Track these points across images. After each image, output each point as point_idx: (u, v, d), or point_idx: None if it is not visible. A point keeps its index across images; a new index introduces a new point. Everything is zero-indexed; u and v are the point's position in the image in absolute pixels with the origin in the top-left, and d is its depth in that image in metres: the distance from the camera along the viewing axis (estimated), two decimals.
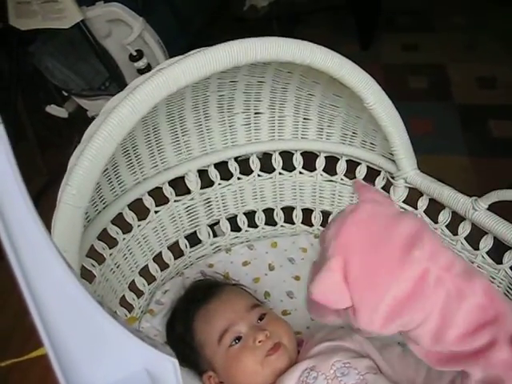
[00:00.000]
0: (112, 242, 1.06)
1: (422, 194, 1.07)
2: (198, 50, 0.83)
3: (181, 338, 0.97)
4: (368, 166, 1.18)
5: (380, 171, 1.15)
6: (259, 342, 0.88)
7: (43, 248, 0.44)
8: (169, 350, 0.51)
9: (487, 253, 0.98)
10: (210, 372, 0.93)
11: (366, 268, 0.58)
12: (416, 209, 1.08)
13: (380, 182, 1.16)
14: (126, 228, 1.09)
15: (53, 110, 2.12)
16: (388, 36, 3.20)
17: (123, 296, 1.08)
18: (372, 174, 1.18)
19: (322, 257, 0.66)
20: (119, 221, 1.08)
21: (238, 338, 0.90)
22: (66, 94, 2.10)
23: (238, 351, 0.89)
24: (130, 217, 1.09)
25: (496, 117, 2.51)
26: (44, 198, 1.38)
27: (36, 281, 0.44)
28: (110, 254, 1.04)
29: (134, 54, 1.77)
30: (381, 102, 0.99)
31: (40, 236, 0.42)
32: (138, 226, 1.11)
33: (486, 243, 0.97)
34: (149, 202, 1.13)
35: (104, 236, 1.03)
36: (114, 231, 1.06)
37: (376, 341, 0.93)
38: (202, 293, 1.00)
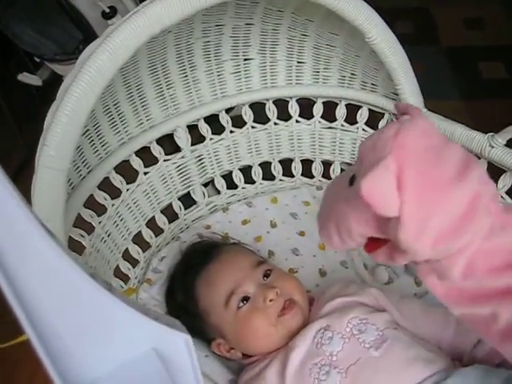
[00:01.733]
0: (100, 210, 0.97)
1: None
2: None
3: (183, 306, 0.90)
4: (370, 109, 1.10)
5: (383, 113, 1.07)
6: (270, 300, 0.81)
7: (17, 216, 0.36)
8: (179, 325, 0.44)
9: (506, 192, 0.91)
10: (218, 339, 0.87)
11: (421, 177, 0.50)
12: None
13: (383, 125, 1.08)
14: (115, 193, 1.01)
15: (25, 77, 2.00)
16: None
17: (117, 266, 1.00)
18: (374, 118, 1.10)
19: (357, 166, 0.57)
20: (106, 186, 0.99)
21: (246, 299, 0.83)
22: (38, 59, 1.98)
23: (247, 313, 0.82)
24: (117, 181, 1.01)
25: (485, 58, 2.43)
26: (24, 173, 1.29)
27: (10, 255, 0.36)
28: (100, 222, 0.96)
29: (107, 10, 1.65)
30: (384, 35, 0.91)
31: (12, 203, 0.34)
32: (127, 189, 1.02)
33: (505, 182, 0.90)
34: (137, 163, 1.04)
35: (91, 203, 0.95)
36: (101, 197, 0.97)
37: (392, 295, 0.86)
38: (201, 255, 0.93)
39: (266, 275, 0.86)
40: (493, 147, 0.88)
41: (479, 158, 0.91)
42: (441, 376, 0.71)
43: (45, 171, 0.67)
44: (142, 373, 0.41)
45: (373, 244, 0.56)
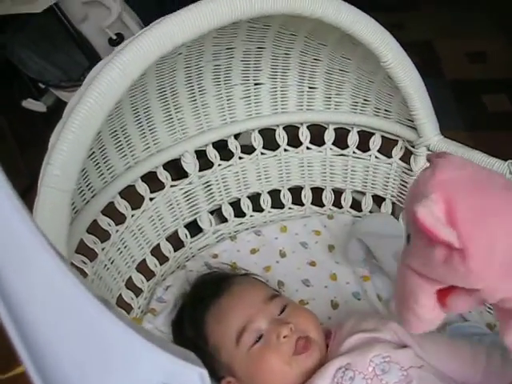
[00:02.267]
0: (104, 236, 0.94)
1: None
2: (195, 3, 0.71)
3: (191, 342, 0.85)
4: (383, 136, 1.07)
5: (397, 140, 1.05)
6: (284, 337, 0.76)
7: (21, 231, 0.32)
8: (194, 358, 0.40)
9: None
10: (228, 378, 0.81)
11: (474, 206, 0.47)
12: None
13: (397, 152, 1.05)
14: (119, 219, 0.97)
15: (30, 104, 1.99)
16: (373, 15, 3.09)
17: (120, 295, 0.95)
18: (388, 145, 1.07)
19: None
20: (111, 211, 0.96)
21: (260, 337, 0.78)
22: (42, 86, 1.97)
23: (260, 351, 0.77)
24: (122, 206, 0.97)
25: (489, 91, 2.43)
26: (26, 200, 1.25)
27: (10, 274, 0.32)
28: (103, 249, 0.92)
29: (114, 37, 1.64)
30: (400, 59, 0.89)
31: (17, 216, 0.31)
32: (132, 215, 0.99)
33: None
34: (142, 188, 1.00)
35: (94, 229, 0.91)
36: (105, 223, 0.94)
37: None
38: (211, 287, 0.88)
39: (282, 310, 0.82)
40: None
41: None
42: None
43: (48, 192, 0.63)
44: None
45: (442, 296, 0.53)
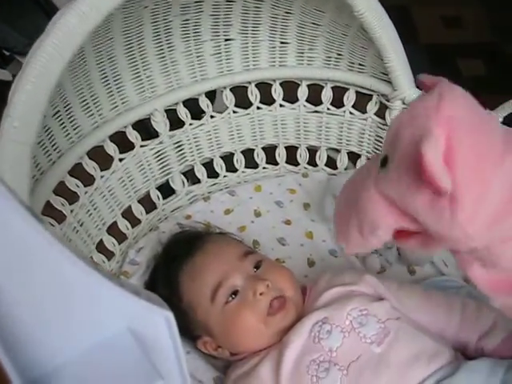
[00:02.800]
0: (72, 197, 0.91)
1: None
2: None
3: (165, 301, 0.83)
4: (357, 92, 1.05)
5: (371, 95, 1.03)
6: (260, 294, 0.75)
7: None
8: (159, 300, 0.37)
9: None
10: (204, 337, 0.80)
11: (474, 150, 0.44)
12: None
13: (372, 107, 1.04)
14: (88, 180, 0.94)
15: None
16: None
17: (91, 258, 0.93)
18: (362, 100, 1.05)
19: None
20: (79, 172, 0.92)
21: (235, 293, 0.77)
22: (7, 53, 1.90)
23: (236, 308, 0.76)
24: (90, 167, 0.94)
25: (464, 56, 2.42)
26: None
27: None
28: (71, 211, 0.89)
29: None
30: (373, 8, 0.87)
31: None
32: (101, 176, 0.96)
33: None
34: (111, 148, 0.97)
35: (62, 190, 0.89)
36: (73, 184, 0.91)
37: (391, 283, 0.81)
38: (184, 246, 0.86)
39: (257, 266, 0.80)
40: None
41: None
42: (446, 372, 0.66)
43: (8, 145, 0.60)
44: (115, 357, 0.34)
45: (403, 233, 0.51)
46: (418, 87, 0.52)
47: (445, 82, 0.49)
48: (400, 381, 0.65)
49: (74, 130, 0.91)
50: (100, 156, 0.96)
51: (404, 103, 0.96)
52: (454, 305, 0.76)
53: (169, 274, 0.83)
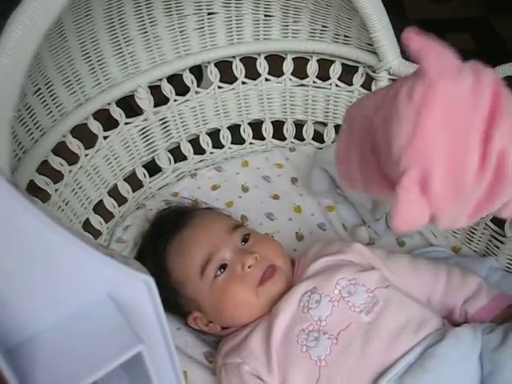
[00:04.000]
0: (56, 176, 0.89)
1: None
2: None
3: (154, 278, 0.82)
4: (343, 64, 1.03)
5: (357, 67, 1.01)
6: (249, 267, 0.74)
7: None
8: (139, 265, 0.37)
9: None
10: (195, 312, 0.79)
11: (449, 177, 0.44)
12: None
13: (358, 79, 1.03)
14: (72, 159, 0.93)
15: None
16: None
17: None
18: (348, 73, 1.04)
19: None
20: (63, 151, 0.91)
21: (223, 267, 0.76)
22: None
23: (225, 282, 0.75)
24: (74, 145, 0.93)
25: (453, 31, 2.40)
26: None
27: None
28: (56, 190, 0.88)
29: None
30: None
31: None
32: (86, 155, 0.94)
33: None
34: (95, 126, 0.96)
35: (46, 169, 0.87)
36: (57, 163, 0.90)
37: (379, 250, 0.81)
38: (171, 221, 0.85)
39: (245, 240, 0.80)
40: None
41: None
42: (433, 339, 0.66)
43: None
44: (95, 324, 0.34)
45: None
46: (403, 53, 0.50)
47: (432, 46, 0.47)
48: (389, 348, 0.66)
49: (57, 107, 0.89)
50: (84, 134, 0.95)
51: (390, 73, 0.95)
52: (439, 270, 0.76)
53: (156, 251, 0.82)
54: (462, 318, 0.74)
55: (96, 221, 0.97)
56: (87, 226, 0.95)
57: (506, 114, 0.43)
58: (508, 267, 0.87)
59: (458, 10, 2.50)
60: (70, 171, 0.91)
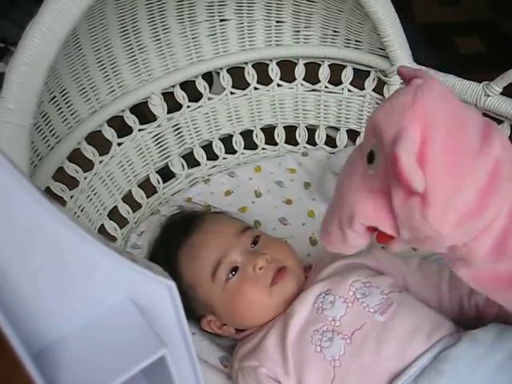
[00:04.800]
0: (72, 183, 0.90)
1: None
2: None
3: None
4: (355, 69, 1.04)
5: (369, 72, 1.02)
6: (260, 268, 0.75)
7: None
8: (160, 270, 0.37)
9: None
10: (208, 316, 0.80)
11: (448, 148, 0.44)
12: None
13: (370, 84, 1.03)
14: (87, 165, 0.94)
15: None
16: None
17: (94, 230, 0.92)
18: (360, 77, 1.04)
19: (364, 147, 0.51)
20: (78, 157, 0.92)
21: (235, 269, 0.76)
22: (2, 45, 1.90)
23: (237, 284, 0.75)
24: (89, 152, 0.94)
25: (461, 34, 2.40)
26: None
27: None
28: (72, 197, 0.89)
29: None
30: None
31: None
32: (100, 161, 0.95)
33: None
34: (109, 133, 0.97)
35: (61, 176, 0.88)
36: (72, 170, 0.91)
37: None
38: (182, 226, 0.86)
39: (254, 242, 0.80)
40: (488, 96, 0.83)
41: None
42: (448, 342, 0.66)
43: (4, 127, 0.60)
44: (118, 327, 0.34)
45: (384, 235, 0.50)
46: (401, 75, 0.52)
47: (423, 74, 0.49)
48: (403, 350, 0.65)
49: (72, 115, 0.90)
50: (98, 141, 0.96)
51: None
52: (443, 269, 0.77)
53: (168, 255, 0.83)
54: (473, 311, 0.73)
55: (111, 227, 0.97)
56: (102, 232, 0.96)
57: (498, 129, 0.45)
58: None
59: (466, 12, 2.50)
60: (85, 178, 0.92)
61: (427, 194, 0.43)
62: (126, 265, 0.33)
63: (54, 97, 0.86)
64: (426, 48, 2.29)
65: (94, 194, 0.94)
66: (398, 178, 0.42)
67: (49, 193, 0.84)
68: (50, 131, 0.86)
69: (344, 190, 0.52)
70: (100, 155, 0.95)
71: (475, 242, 0.45)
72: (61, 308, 0.33)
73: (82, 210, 0.91)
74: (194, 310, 0.81)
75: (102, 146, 0.97)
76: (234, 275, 0.76)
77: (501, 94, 0.83)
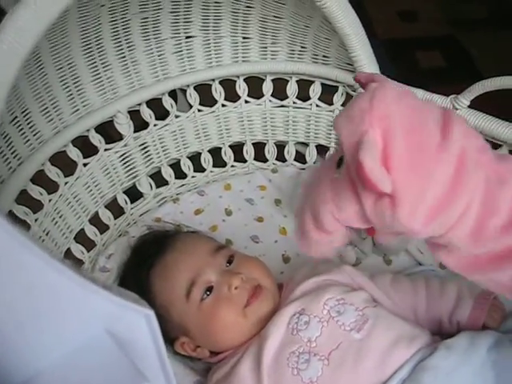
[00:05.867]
0: (36, 206, 0.87)
1: None
2: None
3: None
4: (323, 84, 1.03)
5: (337, 87, 1.01)
6: (235, 288, 0.73)
7: None
8: (138, 299, 0.35)
9: None
10: (182, 338, 0.78)
11: (410, 146, 0.44)
12: None
13: (339, 99, 1.02)
14: (51, 187, 0.91)
15: None
16: None
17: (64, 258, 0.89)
18: (329, 93, 1.04)
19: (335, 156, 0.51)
20: (41, 179, 0.89)
21: (209, 289, 0.75)
22: None
23: (212, 304, 0.74)
24: (53, 173, 0.91)
25: (422, 48, 2.44)
26: None
27: None
28: (36, 220, 0.86)
29: None
30: None
31: None
32: (66, 183, 0.92)
33: None
34: (74, 153, 0.94)
35: (25, 199, 0.86)
36: (36, 192, 0.88)
37: (364, 271, 0.81)
38: (153, 245, 0.84)
39: (229, 261, 0.79)
40: (457, 109, 0.83)
41: None
42: (425, 353, 0.66)
43: None
44: (94, 362, 0.32)
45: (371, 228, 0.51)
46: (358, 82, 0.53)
47: (377, 77, 0.49)
48: (382, 365, 0.65)
49: (34, 135, 0.87)
50: (63, 162, 0.93)
51: None
52: (418, 285, 0.77)
53: (139, 276, 0.81)
54: (455, 329, 0.73)
55: (77, 250, 0.94)
56: (69, 255, 0.93)
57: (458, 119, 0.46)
58: None
59: (426, 28, 2.55)
60: (49, 200, 0.89)
61: (395, 195, 0.43)
62: (102, 295, 0.31)
63: (16, 117, 0.84)
64: (389, 63, 2.32)
65: (60, 217, 0.91)
66: (364, 183, 0.43)
67: (12, 217, 0.81)
68: (12, 153, 0.83)
69: (313, 190, 0.53)
70: (65, 176, 0.93)
71: (452, 232, 0.46)
72: (42, 340, 0.31)
73: (47, 234, 0.88)
74: (168, 332, 0.78)
75: (67, 167, 0.94)
76: (208, 295, 0.74)
77: (468, 106, 0.84)
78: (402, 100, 0.47)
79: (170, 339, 0.78)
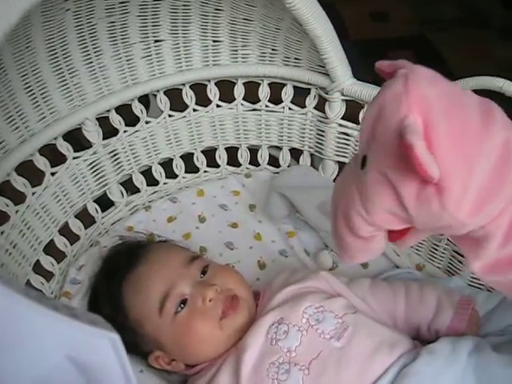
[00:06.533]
0: (2, 218, 0.84)
1: (363, 106, 0.93)
2: None
3: (110, 319, 0.78)
4: (295, 86, 1.02)
5: (310, 89, 1.00)
6: (210, 300, 0.71)
7: None
8: (102, 322, 0.33)
9: None
10: (156, 351, 0.76)
11: (452, 132, 0.42)
12: (358, 124, 0.95)
13: (311, 101, 1.02)
14: (18, 198, 0.88)
15: None
16: None
17: (28, 281, 0.87)
18: (301, 95, 1.03)
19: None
20: (7, 190, 0.87)
21: (184, 302, 0.73)
22: None
23: (186, 317, 0.72)
24: (20, 183, 0.88)
25: (395, 48, 2.45)
26: None
27: None
28: (2, 233, 0.83)
29: None
30: (304, 0, 0.84)
31: None
32: (33, 193, 0.90)
33: None
34: (41, 162, 0.91)
35: None
36: (1, 203, 0.85)
37: (342, 278, 0.80)
38: (125, 257, 0.81)
39: (203, 272, 0.77)
40: None
41: None
42: (407, 359, 0.65)
43: None
44: None
45: (397, 233, 0.50)
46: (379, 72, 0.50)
47: (402, 63, 0.47)
48: (364, 373, 0.64)
49: None
50: (30, 171, 0.90)
51: (343, 94, 0.94)
52: (397, 291, 0.76)
53: (111, 289, 0.78)
54: (433, 336, 0.73)
55: (47, 262, 0.92)
56: (38, 267, 0.90)
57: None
58: (471, 282, 0.86)
59: (398, 28, 2.56)
60: (16, 211, 0.86)
61: (441, 182, 0.41)
62: (62, 321, 0.29)
63: None
64: (361, 63, 2.32)
65: (28, 229, 0.89)
66: (416, 168, 0.40)
67: None
68: None
69: (342, 194, 0.51)
70: (32, 186, 0.90)
71: (496, 222, 0.44)
72: (3, 371, 0.29)
73: (14, 247, 0.85)
74: (141, 346, 0.76)
75: (34, 177, 0.91)
76: (182, 308, 0.73)
77: None
78: (437, 83, 0.45)
79: (144, 353, 0.76)
